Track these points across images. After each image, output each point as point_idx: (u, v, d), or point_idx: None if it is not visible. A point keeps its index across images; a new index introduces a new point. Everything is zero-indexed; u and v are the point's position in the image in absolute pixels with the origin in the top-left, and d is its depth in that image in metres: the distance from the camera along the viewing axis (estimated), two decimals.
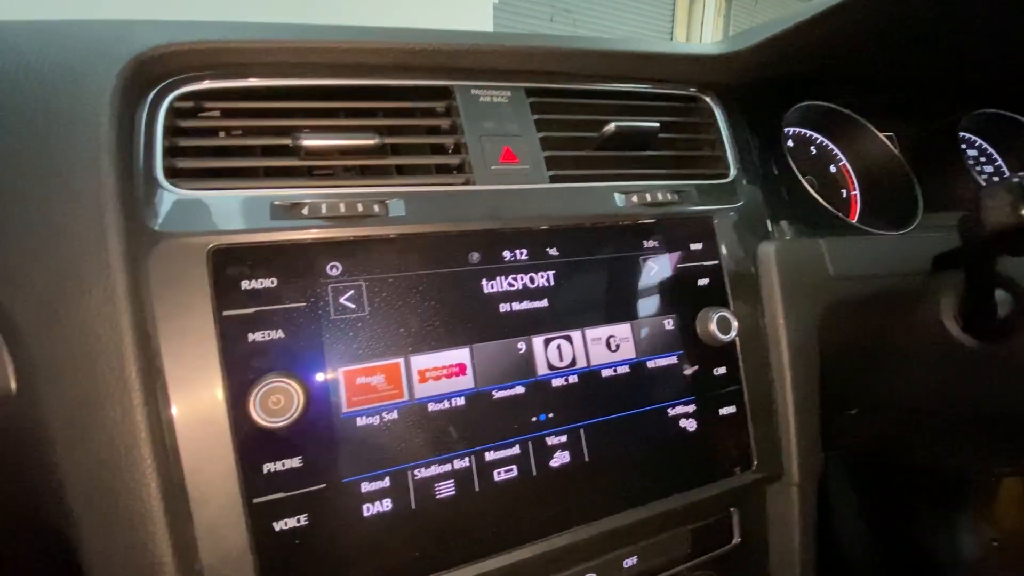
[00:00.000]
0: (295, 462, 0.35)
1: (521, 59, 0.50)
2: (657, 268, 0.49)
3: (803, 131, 0.75)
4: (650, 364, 0.47)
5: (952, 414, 0.66)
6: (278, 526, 0.34)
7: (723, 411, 0.49)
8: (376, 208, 0.40)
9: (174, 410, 0.33)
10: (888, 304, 0.59)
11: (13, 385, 0.32)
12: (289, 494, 0.35)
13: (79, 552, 0.32)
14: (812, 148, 0.76)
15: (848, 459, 0.91)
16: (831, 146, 0.76)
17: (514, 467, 0.41)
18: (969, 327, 0.59)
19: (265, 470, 0.34)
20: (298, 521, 0.35)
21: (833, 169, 0.76)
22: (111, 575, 0.31)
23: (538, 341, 0.43)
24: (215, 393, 0.34)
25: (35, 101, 0.35)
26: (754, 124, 0.62)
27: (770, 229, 0.56)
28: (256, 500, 0.34)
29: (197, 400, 0.34)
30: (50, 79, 0.36)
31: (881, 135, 0.74)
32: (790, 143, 0.72)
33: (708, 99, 0.59)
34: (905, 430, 0.73)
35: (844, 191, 0.75)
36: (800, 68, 0.63)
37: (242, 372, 0.35)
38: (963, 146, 0.82)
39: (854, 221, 0.66)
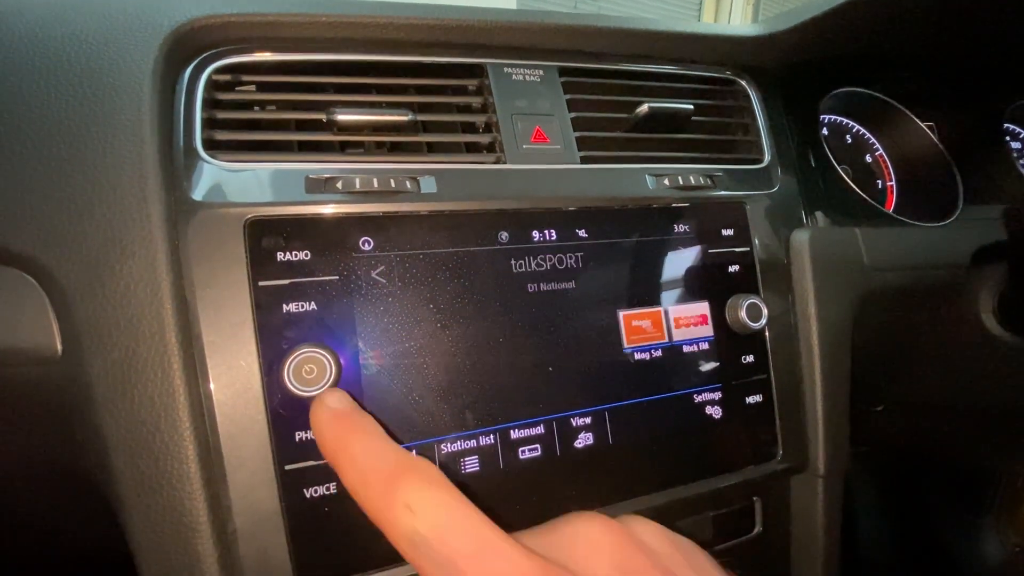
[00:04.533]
0: None
1: (554, 37, 0.49)
2: (687, 253, 0.48)
3: (838, 119, 0.73)
4: (678, 350, 0.46)
5: (986, 412, 0.65)
6: (308, 493, 0.35)
7: (750, 399, 0.48)
8: (408, 184, 0.40)
9: (210, 375, 0.34)
10: (924, 297, 0.58)
11: (59, 347, 0.33)
12: (319, 462, 0.35)
13: (120, 508, 0.33)
14: (847, 137, 0.73)
15: (873, 455, 0.90)
16: (867, 135, 0.74)
17: (538, 446, 0.41)
18: (1008, 323, 0.57)
19: (297, 438, 0.35)
20: (327, 489, 0.35)
21: (868, 159, 0.74)
22: (150, 532, 0.32)
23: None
24: (250, 360, 0.34)
25: (80, 69, 0.36)
26: (789, 110, 0.60)
27: (804, 218, 0.55)
28: (288, 467, 0.35)
29: (232, 366, 0.34)
30: (94, 48, 0.36)
31: (922, 124, 0.71)
32: (824, 131, 0.70)
33: (743, 82, 0.57)
34: (935, 428, 0.71)
35: (880, 182, 0.73)
36: (841, 51, 0.61)
37: (276, 341, 0.35)
38: (1007, 137, 0.79)
39: (890, 212, 0.64)
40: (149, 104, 0.36)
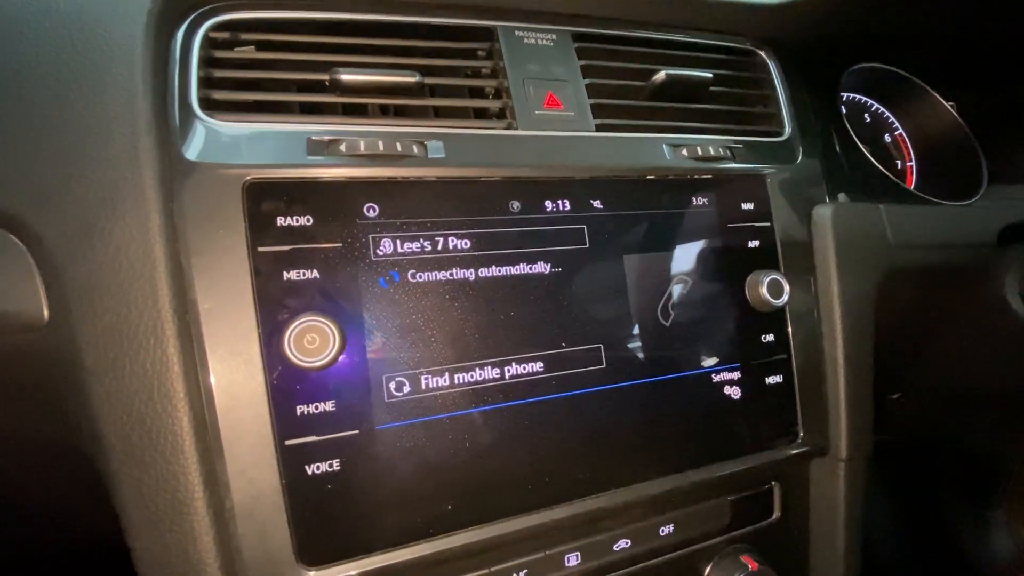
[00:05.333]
0: (329, 406, 0.34)
1: (568, 1, 0.47)
2: (706, 227, 0.46)
3: (857, 97, 0.71)
4: (695, 327, 0.44)
5: (1007, 399, 0.62)
6: (310, 470, 0.33)
7: (770, 380, 0.46)
8: (415, 148, 0.38)
9: (207, 344, 0.32)
10: (949, 277, 0.55)
11: (46, 313, 0.31)
12: (322, 438, 0.34)
13: (112, 483, 0.31)
14: (866, 115, 0.71)
15: (885, 446, 0.88)
16: (887, 114, 0.72)
17: (553, 424, 0.39)
18: None
19: (298, 412, 0.33)
20: (330, 466, 0.34)
21: (888, 138, 0.71)
22: (143, 508, 0.30)
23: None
24: (249, 329, 0.33)
25: (69, 22, 0.33)
26: (810, 84, 0.58)
27: (826, 193, 0.53)
28: (288, 442, 0.33)
29: (230, 335, 0.32)
30: (86, 1, 0.34)
31: (944, 102, 0.69)
32: (843, 109, 0.68)
33: (763, 54, 0.55)
34: (953, 416, 0.69)
35: (899, 161, 0.71)
36: (862, 25, 0.59)
37: (277, 310, 0.33)
38: None
39: (914, 190, 0.61)
40: (142, 60, 0.34)
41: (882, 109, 0.72)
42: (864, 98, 0.71)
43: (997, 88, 0.73)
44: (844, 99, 0.69)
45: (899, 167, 0.71)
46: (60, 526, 0.44)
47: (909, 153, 0.71)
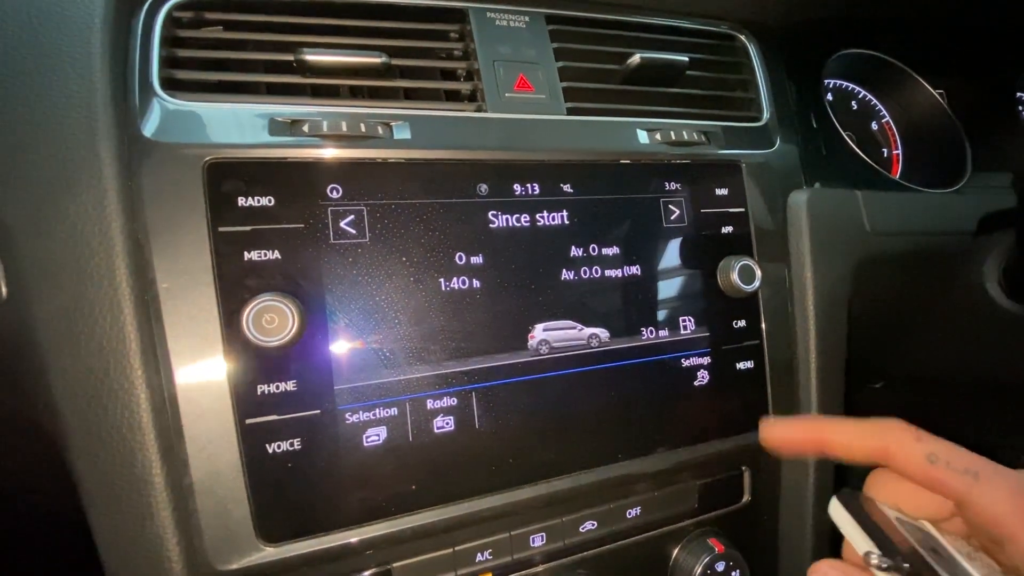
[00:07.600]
0: (289, 385, 0.34)
1: None
2: (679, 212, 0.46)
3: (844, 83, 0.70)
4: (666, 312, 0.44)
5: (989, 387, 0.62)
6: (271, 448, 0.33)
7: (740, 365, 0.46)
8: (380, 130, 0.38)
9: (165, 323, 0.32)
10: (927, 265, 0.55)
11: (4, 289, 0.31)
12: (282, 417, 0.34)
13: (71, 459, 0.31)
14: (853, 103, 0.70)
15: None
16: (874, 101, 0.71)
17: (517, 406, 0.39)
18: (1013, 293, 0.55)
19: (259, 391, 0.33)
20: (291, 445, 0.34)
21: (875, 126, 0.71)
22: (101, 483, 0.31)
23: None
24: (209, 309, 0.33)
25: None
26: (791, 70, 0.57)
27: (804, 181, 0.53)
28: (249, 421, 0.33)
29: (189, 315, 0.32)
30: None
31: (932, 89, 0.68)
32: (829, 96, 0.67)
33: (743, 37, 0.54)
34: (936, 404, 0.69)
35: (885, 150, 0.70)
36: (847, 9, 0.58)
37: (236, 289, 0.33)
38: (1020, 107, 0.76)
39: (895, 178, 0.61)
40: (100, 37, 0.33)
41: (869, 96, 0.71)
42: (851, 85, 0.70)
43: (984, 74, 0.72)
44: (831, 86, 0.68)
45: (885, 155, 0.70)
46: (23, 503, 0.45)
47: (896, 141, 0.70)
